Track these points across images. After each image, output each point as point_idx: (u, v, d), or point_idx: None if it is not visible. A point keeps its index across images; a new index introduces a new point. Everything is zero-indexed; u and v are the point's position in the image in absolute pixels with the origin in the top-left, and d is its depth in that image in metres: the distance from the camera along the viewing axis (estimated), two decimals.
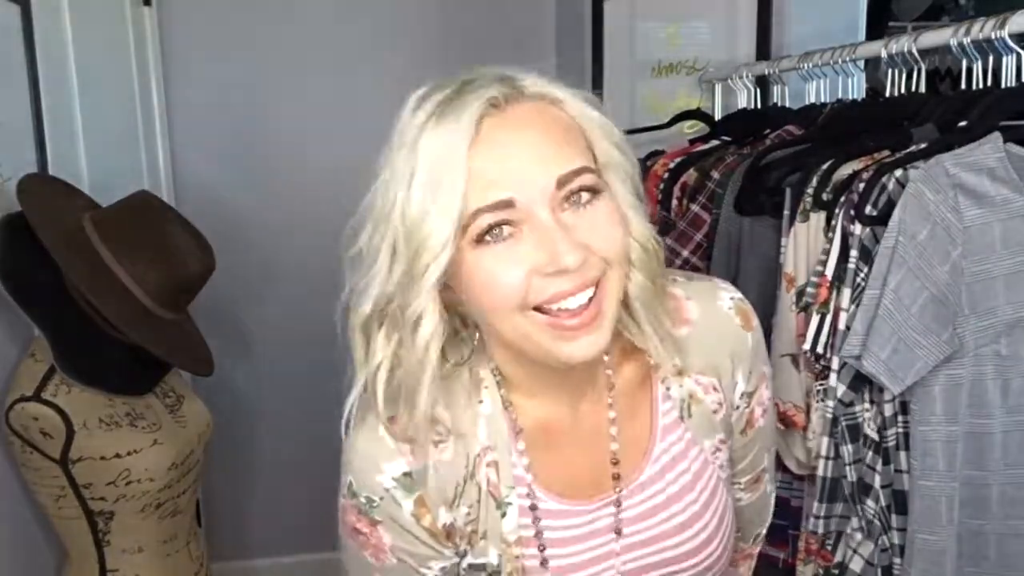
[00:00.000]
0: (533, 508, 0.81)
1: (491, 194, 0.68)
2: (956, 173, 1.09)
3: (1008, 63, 1.18)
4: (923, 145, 1.19)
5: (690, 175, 1.67)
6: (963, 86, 1.28)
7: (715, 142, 1.82)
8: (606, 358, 0.82)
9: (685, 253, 1.60)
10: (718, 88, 2.08)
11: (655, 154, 1.89)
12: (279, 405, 2.71)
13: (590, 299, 0.70)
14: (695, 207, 1.60)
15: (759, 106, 1.92)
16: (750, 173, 1.43)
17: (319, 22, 2.55)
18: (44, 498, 1.49)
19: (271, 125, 2.59)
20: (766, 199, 1.39)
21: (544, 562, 0.81)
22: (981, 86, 1.25)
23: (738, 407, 0.87)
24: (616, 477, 0.83)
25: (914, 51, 1.34)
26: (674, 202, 1.69)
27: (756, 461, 0.93)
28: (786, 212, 1.34)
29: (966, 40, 1.21)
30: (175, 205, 2.33)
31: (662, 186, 1.72)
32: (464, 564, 0.81)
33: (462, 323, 0.79)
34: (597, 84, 2.32)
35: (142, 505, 1.53)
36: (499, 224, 0.69)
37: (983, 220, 1.09)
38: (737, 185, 1.45)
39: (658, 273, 0.77)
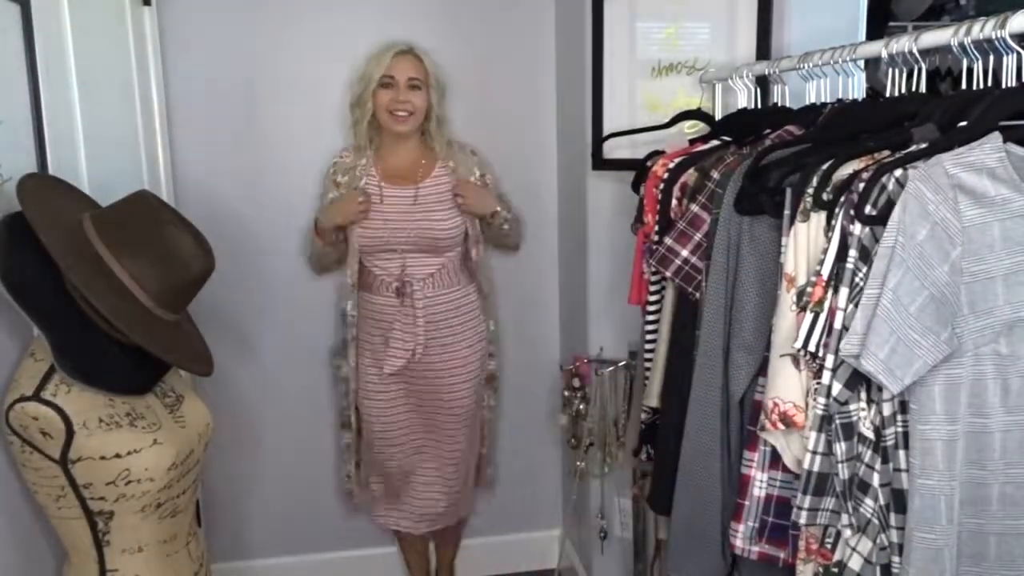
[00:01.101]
0: (374, 185, 2.43)
1: (387, 72, 2.35)
2: (956, 173, 1.09)
3: (1008, 63, 1.18)
4: (923, 145, 1.19)
5: (690, 175, 1.67)
6: (963, 86, 1.28)
7: (715, 142, 1.82)
8: (423, 162, 2.47)
9: (685, 253, 1.59)
10: (718, 88, 2.08)
11: (655, 154, 1.88)
12: (279, 405, 2.71)
13: (406, 116, 2.36)
14: (695, 207, 1.60)
15: (759, 106, 1.92)
16: (750, 173, 1.42)
17: (319, 23, 2.56)
18: (44, 498, 1.49)
19: (271, 125, 2.59)
20: (766, 199, 1.38)
21: (381, 198, 2.41)
22: (981, 86, 1.25)
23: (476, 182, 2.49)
24: (420, 177, 2.43)
25: (914, 51, 1.34)
26: (674, 202, 1.69)
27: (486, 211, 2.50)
28: (786, 212, 1.34)
29: (966, 40, 1.21)
30: (175, 205, 2.33)
31: (662, 186, 1.72)
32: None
33: (380, 126, 2.44)
34: (597, 84, 2.31)
35: (142, 505, 1.53)
36: (387, 83, 2.35)
37: (982, 220, 1.09)
38: (737, 185, 1.44)
39: (444, 123, 2.46)
